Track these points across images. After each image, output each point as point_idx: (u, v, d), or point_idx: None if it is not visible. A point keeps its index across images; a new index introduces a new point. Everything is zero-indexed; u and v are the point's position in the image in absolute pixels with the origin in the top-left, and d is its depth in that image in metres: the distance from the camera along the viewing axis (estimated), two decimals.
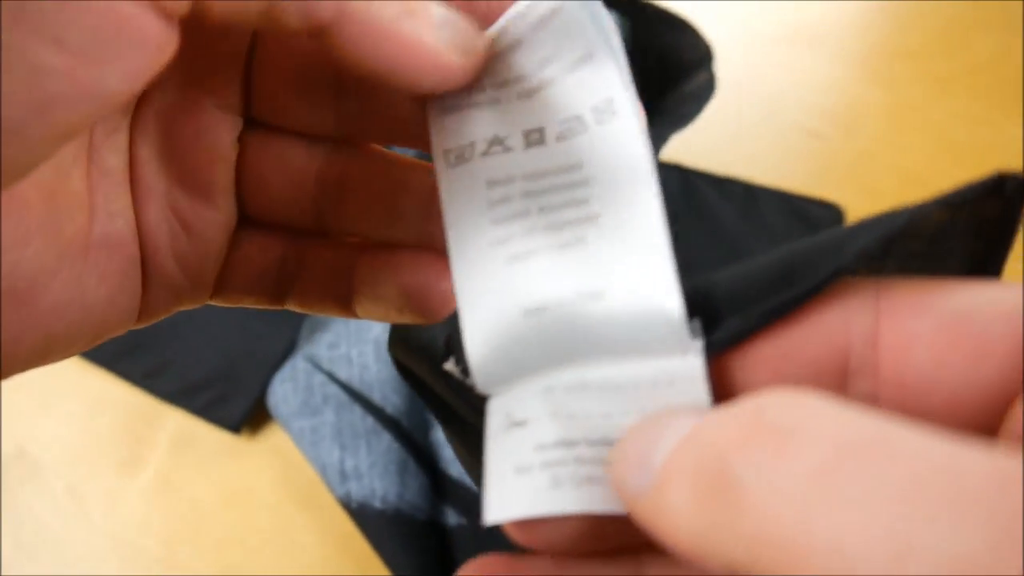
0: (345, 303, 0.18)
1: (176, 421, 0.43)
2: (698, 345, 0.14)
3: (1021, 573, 0.08)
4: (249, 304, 0.19)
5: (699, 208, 0.48)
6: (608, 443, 0.14)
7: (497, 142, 0.15)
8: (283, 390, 0.41)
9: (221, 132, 0.17)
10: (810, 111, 0.54)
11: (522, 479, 0.14)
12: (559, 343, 0.14)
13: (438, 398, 0.18)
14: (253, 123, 0.18)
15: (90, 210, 0.16)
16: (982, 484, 0.09)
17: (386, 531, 0.36)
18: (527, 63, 0.15)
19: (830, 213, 0.48)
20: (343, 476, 0.38)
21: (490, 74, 0.16)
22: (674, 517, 0.11)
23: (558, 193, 0.15)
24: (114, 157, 0.16)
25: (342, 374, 0.41)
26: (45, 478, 0.41)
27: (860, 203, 0.49)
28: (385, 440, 0.39)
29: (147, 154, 0.17)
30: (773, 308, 0.13)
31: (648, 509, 0.11)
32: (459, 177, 0.16)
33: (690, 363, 0.14)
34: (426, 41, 0.14)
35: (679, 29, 0.43)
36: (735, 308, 0.14)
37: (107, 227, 0.16)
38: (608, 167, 0.15)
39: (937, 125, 0.53)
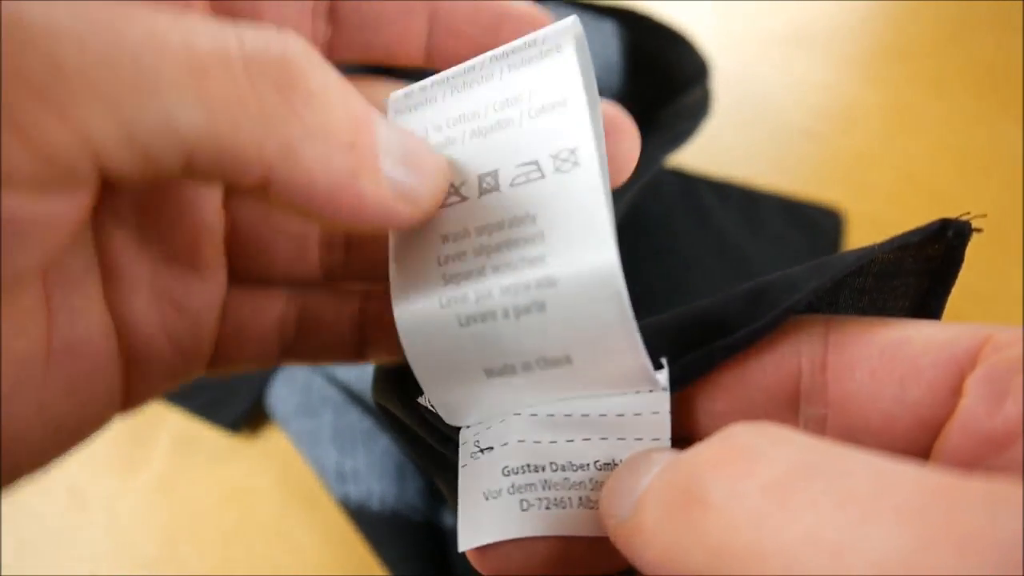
0: (358, 352, 0.17)
1: (176, 421, 0.43)
2: (664, 382, 0.14)
3: (944, 570, 0.09)
4: (253, 368, 0.18)
5: (699, 213, 0.48)
6: (573, 468, 0.14)
7: (453, 191, 0.14)
8: (282, 391, 0.41)
9: (203, 206, 0.16)
10: (807, 111, 0.54)
11: (492, 504, 0.14)
12: (525, 391, 0.14)
13: (417, 438, 0.18)
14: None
15: (48, 318, 0.15)
16: (911, 494, 0.10)
17: (384, 532, 0.37)
18: (488, 100, 0.14)
19: (830, 218, 0.48)
20: (341, 477, 0.38)
21: (445, 111, 0.15)
22: (647, 535, 0.12)
23: (512, 250, 0.14)
24: (76, 260, 0.15)
25: (341, 375, 0.41)
26: (46, 478, 0.41)
27: (857, 203, 0.49)
28: (383, 442, 0.39)
29: (122, 244, 0.16)
30: (736, 341, 0.14)
31: (626, 532, 0.12)
32: (412, 230, 0.15)
33: (656, 397, 0.14)
34: (368, 198, 0.13)
35: (677, 42, 0.42)
36: (702, 341, 0.14)
37: (68, 332, 0.15)
38: (564, 222, 0.13)
39: (934, 125, 0.53)
